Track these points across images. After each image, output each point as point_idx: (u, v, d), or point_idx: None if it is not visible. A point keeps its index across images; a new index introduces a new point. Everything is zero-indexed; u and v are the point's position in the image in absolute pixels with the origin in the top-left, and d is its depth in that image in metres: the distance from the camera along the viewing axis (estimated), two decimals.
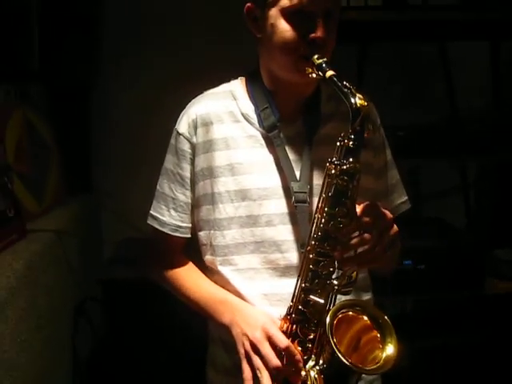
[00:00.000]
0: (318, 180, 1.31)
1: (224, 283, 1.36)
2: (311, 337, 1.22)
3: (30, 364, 1.65)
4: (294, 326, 1.23)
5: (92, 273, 2.44)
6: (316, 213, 1.21)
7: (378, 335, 1.20)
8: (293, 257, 1.31)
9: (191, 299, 1.38)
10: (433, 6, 2.18)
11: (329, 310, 1.20)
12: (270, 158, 1.33)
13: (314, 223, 1.21)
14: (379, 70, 2.58)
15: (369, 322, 1.22)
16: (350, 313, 1.22)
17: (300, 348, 1.22)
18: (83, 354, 2.22)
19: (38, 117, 2.28)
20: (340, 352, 1.14)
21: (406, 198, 1.49)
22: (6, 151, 1.93)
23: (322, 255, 1.20)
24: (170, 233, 1.39)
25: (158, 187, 1.41)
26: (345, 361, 1.14)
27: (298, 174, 1.32)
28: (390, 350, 1.18)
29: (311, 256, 1.21)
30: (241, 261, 1.33)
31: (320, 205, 1.20)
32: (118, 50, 2.65)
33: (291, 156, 1.33)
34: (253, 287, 1.33)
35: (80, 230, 2.32)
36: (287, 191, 1.31)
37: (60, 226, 2.09)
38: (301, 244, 1.27)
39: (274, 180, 1.32)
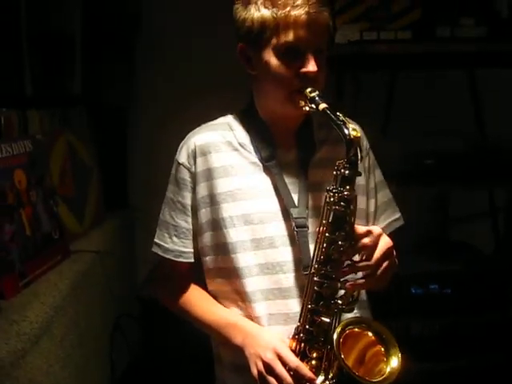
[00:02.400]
0: (315, 202, 1.39)
1: (229, 306, 1.43)
2: (319, 354, 1.30)
3: (72, 378, 1.74)
4: (303, 345, 1.30)
5: (130, 291, 2.53)
6: (317, 238, 1.29)
7: (383, 349, 1.28)
8: (295, 277, 1.38)
9: (202, 323, 1.44)
10: (460, 38, 2.24)
11: (335, 327, 1.28)
12: (269, 183, 1.40)
13: (316, 248, 1.30)
14: (408, 96, 2.64)
15: (373, 337, 1.30)
16: (356, 329, 1.30)
17: (309, 365, 1.29)
18: (120, 369, 2.30)
19: (79, 140, 2.38)
20: (348, 366, 1.23)
21: (399, 214, 1.55)
22: (52, 176, 2.03)
23: (325, 277, 1.29)
24: (173, 259, 1.45)
25: (160, 216, 1.48)
26: (353, 374, 1.22)
27: (295, 198, 1.39)
28: (394, 362, 1.26)
29: (315, 278, 1.29)
30: (247, 283, 1.38)
31: (321, 229, 1.29)
32: (152, 73, 2.78)
33: (288, 182, 1.40)
34: (259, 308, 1.38)
35: (118, 248, 2.43)
36: (287, 215, 1.38)
37: (100, 246, 2.18)
38: (303, 266, 1.34)
39: (273, 204, 1.39)
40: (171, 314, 1.78)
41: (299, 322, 1.32)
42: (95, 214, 2.42)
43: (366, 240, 1.27)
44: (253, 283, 1.38)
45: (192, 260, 1.46)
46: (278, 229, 1.39)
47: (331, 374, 1.27)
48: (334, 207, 1.27)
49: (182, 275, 1.49)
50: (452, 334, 2.46)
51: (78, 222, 2.25)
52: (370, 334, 1.30)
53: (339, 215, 1.27)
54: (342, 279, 1.28)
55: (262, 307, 1.38)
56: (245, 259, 1.38)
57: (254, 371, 1.30)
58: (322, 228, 1.29)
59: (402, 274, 2.26)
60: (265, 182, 1.41)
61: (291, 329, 1.33)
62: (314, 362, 1.30)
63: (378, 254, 1.27)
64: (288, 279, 1.38)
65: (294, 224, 1.36)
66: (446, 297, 2.39)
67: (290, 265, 1.38)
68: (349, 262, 1.29)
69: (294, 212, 1.37)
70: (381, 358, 1.28)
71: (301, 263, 1.35)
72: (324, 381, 1.28)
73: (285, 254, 1.38)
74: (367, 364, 1.30)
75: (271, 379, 1.27)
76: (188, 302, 1.47)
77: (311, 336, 1.30)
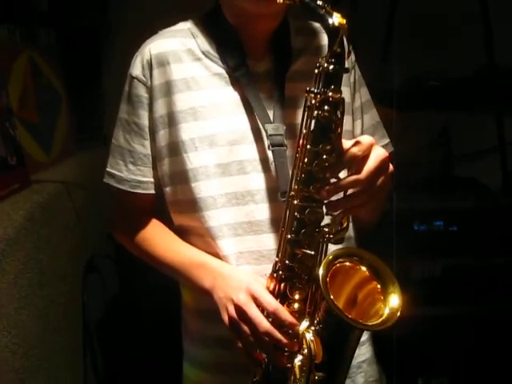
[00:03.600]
0: (292, 121, 1.17)
1: (197, 243, 1.22)
2: (302, 295, 1.08)
3: (31, 322, 1.55)
4: (283, 285, 1.09)
5: (104, 229, 2.32)
6: (297, 153, 1.05)
7: (379, 286, 1.05)
8: (270, 208, 1.17)
9: (165, 264, 1.24)
10: None
11: (320, 262, 1.05)
12: (238, 98, 1.19)
13: (295, 165, 1.05)
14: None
15: (367, 272, 1.07)
16: (346, 263, 1.07)
17: (291, 309, 1.08)
18: (93, 314, 2.12)
19: (46, 62, 2.14)
20: (337, 308, 1.01)
21: (388, 140, 1.34)
22: (10, 95, 1.79)
23: (307, 200, 1.04)
24: (130, 190, 1.24)
25: (113, 141, 1.27)
26: (344, 317, 1.00)
27: (270, 114, 1.17)
28: (393, 301, 1.03)
29: (295, 202, 1.05)
30: (212, 216, 1.18)
31: (301, 142, 1.05)
32: None
33: (262, 96, 1.18)
34: (227, 246, 1.18)
35: (90, 181, 2.19)
36: (259, 135, 1.17)
37: (69, 178, 1.97)
38: (281, 192, 1.11)
39: (243, 122, 1.18)
40: None
41: (277, 257, 1.10)
42: (64, 144, 2.19)
43: (354, 150, 1.02)
44: (218, 216, 1.18)
45: (152, 191, 1.25)
46: (248, 152, 1.18)
47: (317, 319, 1.06)
48: (316, 112, 1.02)
49: (140, 210, 1.28)
50: (456, 277, 2.27)
51: (44, 152, 2.03)
52: (363, 268, 1.07)
53: (323, 122, 1.01)
54: (327, 201, 1.05)
55: (229, 244, 1.18)
56: (208, 188, 1.18)
57: (225, 318, 1.10)
58: (301, 140, 1.05)
59: (403, 209, 2.02)
60: (232, 97, 1.19)
61: (265, 269, 1.13)
62: (296, 305, 1.08)
63: (369, 166, 1.02)
64: (261, 211, 1.17)
65: (268, 142, 1.15)
66: (451, 234, 2.19)
67: (263, 193, 1.17)
68: (335, 179, 1.05)
69: (269, 128, 1.15)
70: (377, 297, 1.06)
71: (277, 191, 1.14)
72: (309, 326, 1.07)
73: (257, 180, 1.17)
74: (361, 304, 1.08)
75: (243, 327, 1.07)
76: (148, 241, 1.27)
77: (292, 273, 1.08)
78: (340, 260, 1.07)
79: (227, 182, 1.17)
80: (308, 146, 1.03)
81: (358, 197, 1.04)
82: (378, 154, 1.04)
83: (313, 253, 1.06)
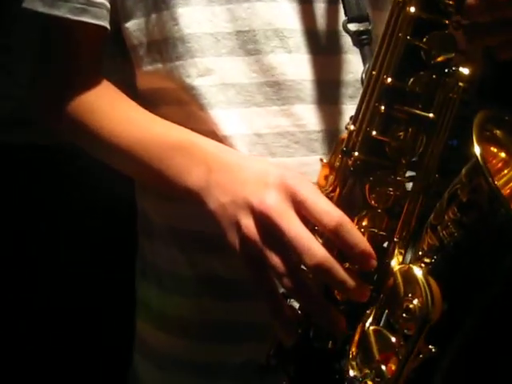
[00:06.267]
0: None
1: (181, 117, 0.72)
2: (391, 203, 0.59)
3: None
4: (355, 184, 0.60)
5: None
6: None
7: None
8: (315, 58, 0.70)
9: (121, 147, 0.72)
10: None
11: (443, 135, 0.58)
12: None
13: None
14: None
15: None
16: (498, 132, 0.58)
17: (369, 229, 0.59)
18: None
19: None
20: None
21: None
22: None
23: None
24: (70, 17, 0.71)
25: None
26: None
27: None
28: None
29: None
30: (209, 70, 0.70)
31: None
32: None
33: None
34: (232, 119, 0.70)
35: None
36: None
37: None
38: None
39: None
40: None
41: (353, 124, 0.59)
42: None
43: None
44: (220, 71, 0.70)
45: (105, 23, 0.73)
46: None
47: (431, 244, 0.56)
48: None
49: (86, 59, 0.76)
50: None
51: None
52: None
53: None
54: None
55: (236, 117, 0.70)
56: (203, 19, 0.70)
57: (234, 242, 0.60)
58: None
59: None
60: None
61: (301, 167, 0.68)
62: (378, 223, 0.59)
63: None
64: (296, 62, 0.70)
65: None
66: None
67: (298, 34, 0.70)
68: None
69: None
70: None
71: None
72: (417, 259, 0.58)
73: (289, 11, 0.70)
74: None
75: (273, 257, 0.57)
76: (97, 112, 0.74)
77: (379, 158, 0.58)
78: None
79: (241, 12, 0.69)
80: None
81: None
82: None
83: (431, 116, 0.57)
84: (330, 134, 0.69)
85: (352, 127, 0.59)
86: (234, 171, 0.63)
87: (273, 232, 0.57)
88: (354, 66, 0.67)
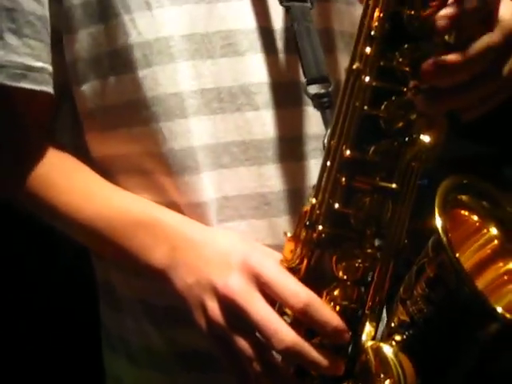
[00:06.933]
0: None
1: (138, 189, 0.69)
2: (360, 274, 0.57)
3: None
4: (319, 255, 0.58)
5: None
6: None
7: None
8: (283, 115, 0.67)
9: (79, 222, 0.68)
10: None
11: (408, 204, 0.56)
12: None
13: None
14: None
15: (497, 231, 0.58)
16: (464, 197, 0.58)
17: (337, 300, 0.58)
18: None
19: None
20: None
21: None
22: None
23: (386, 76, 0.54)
24: (7, 83, 0.66)
25: None
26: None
27: None
28: None
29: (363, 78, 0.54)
30: (176, 132, 0.65)
31: None
32: None
33: None
34: (203, 185, 0.66)
35: None
36: None
37: None
38: (308, 91, 0.62)
39: None
40: None
41: (315, 196, 0.57)
42: None
43: None
44: (188, 132, 0.65)
45: (49, 89, 0.68)
46: (243, 14, 0.67)
47: (402, 318, 0.55)
48: None
49: (33, 128, 0.71)
50: None
51: None
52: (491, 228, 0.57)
53: None
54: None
55: (206, 183, 0.66)
56: (170, 80, 0.65)
57: (201, 323, 0.59)
58: None
59: None
60: None
61: (271, 230, 0.67)
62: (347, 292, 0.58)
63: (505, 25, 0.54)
64: (265, 121, 0.67)
65: None
66: None
67: (265, 90, 0.67)
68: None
69: None
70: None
71: (298, 86, 0.66)
72: (390, 336, 0.57)
73: (258, 67, 0.67)
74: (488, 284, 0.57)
75: (239, 340, 0.56)
76: (52, 186, 0.70)
77: (344, 229, 0.56)
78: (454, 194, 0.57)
79: (205, 69, 0.66)
80: None
81: (490, 79, 0.55)
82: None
83: (394, 186, 0.57)
84: (300, 191, 0.67)
85: (314, 200, 0.56)
86: (199, 248, 0.61)
87: (238, 316, 0.56)
88: (317, 118, 0.64)
